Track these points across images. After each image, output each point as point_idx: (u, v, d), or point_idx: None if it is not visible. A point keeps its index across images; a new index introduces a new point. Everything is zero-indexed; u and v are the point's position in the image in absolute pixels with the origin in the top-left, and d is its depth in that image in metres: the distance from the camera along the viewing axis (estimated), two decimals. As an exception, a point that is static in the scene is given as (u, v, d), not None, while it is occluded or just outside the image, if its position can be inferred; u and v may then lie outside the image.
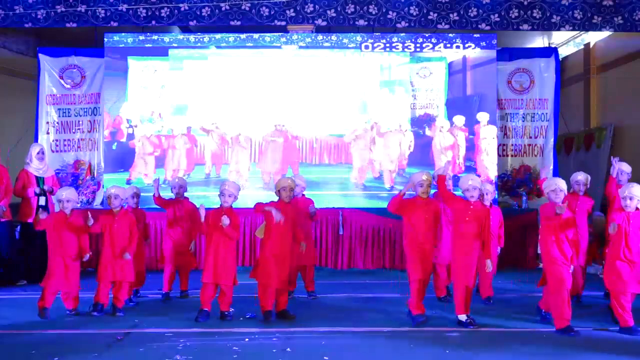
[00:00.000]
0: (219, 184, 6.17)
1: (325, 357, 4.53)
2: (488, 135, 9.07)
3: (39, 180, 7.76)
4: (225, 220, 5.56)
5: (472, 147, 9.10)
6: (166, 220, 6.90)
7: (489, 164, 9.05)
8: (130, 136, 9.05)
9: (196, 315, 5.63)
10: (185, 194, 7.03)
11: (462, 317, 5.46)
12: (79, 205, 8.91)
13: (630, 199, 5.25)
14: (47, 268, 5.80)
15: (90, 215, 5.92)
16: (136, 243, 6.00)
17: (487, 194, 6.32)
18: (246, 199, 8.71)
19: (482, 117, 9.05)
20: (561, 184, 5.48)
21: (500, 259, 6.92)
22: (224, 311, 5.69)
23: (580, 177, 6.44)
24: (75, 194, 6.11)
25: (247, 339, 5.03)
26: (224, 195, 5.76)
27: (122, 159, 9.03)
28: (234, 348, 4.76)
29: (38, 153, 7.81)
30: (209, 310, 5.66)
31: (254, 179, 8.96)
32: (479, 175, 8.64)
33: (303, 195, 6.87)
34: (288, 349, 4.75)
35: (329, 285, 7.40)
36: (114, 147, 9.05)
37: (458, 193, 5.90)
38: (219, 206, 5.81)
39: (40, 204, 7.68)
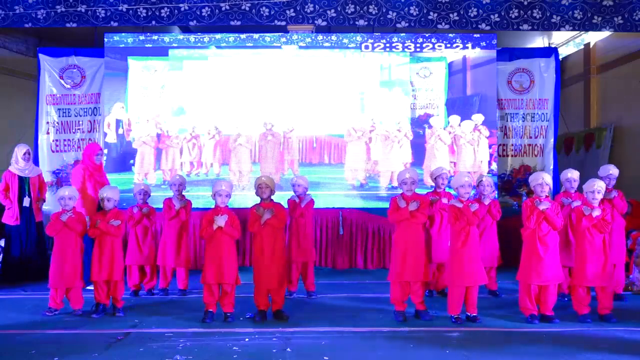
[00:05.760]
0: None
1: (325, 357, 4.53)
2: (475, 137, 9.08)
3: (24, 181, 7.70)
4: (220, 221, 5.58)
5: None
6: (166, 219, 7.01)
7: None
8: (121, 137, 9.01)
9: (203, 317, 5.62)
10: (186, 194, 7.15)
11: (454, 316, 5.60)
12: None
13: (599, 192, 5.66)
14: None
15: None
16: (120, 242, 6.04)
17: (489, 186, 6.68)
18: (247, 200, 8.73)
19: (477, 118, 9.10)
20: (547, 178, 5.72)
21: (501, 259, 6.96)
22: (228, 312, 5.68)
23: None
24: (75, 191, 6.20)
25: (247, 339, 5.03)
26: (220, 195, 5.73)
27: (123, 159, 9.03)
28: (234, 348, 4.77)
29: (24, 154, 7.71)
30: (214, 312, 5.67)
31: (253, 180, 8.92)
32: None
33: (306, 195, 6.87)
34: (288, 349, 4.75)
35: (329, 285, 7.40)
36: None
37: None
38: (214, 206, 5.79)
39: (24, 205, 7.64)
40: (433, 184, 7.09)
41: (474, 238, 5.60)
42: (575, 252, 5.83)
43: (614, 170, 6.66)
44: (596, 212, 5.59)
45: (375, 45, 9.06)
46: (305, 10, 8.29)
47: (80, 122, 9.25)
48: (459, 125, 9.01)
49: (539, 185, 5.67)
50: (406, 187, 5.79)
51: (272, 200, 5.89)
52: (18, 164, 7.70)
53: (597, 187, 5.67)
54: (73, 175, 7.35)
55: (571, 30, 8.86)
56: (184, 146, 9.00)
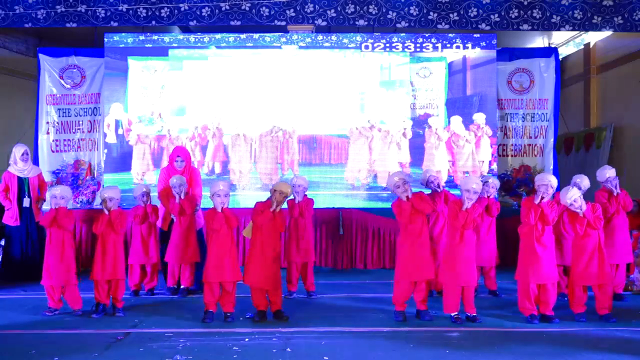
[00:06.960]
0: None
1: (325, 357, 4.53)
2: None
3: (23, 181, 7.67)
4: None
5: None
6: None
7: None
8: (121, 137, 9.02)
9: (203, 316, 5.62)
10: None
11: (453, 315, 5.60)
12: (78, 205, 8.98)
13: (576, 200, 5.57)
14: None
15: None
16: (121, 241, 6.01)
17: (493, 187, 6.58)
18: (246, 199, 8.74)
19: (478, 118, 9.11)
20: (554, 181, 5.71)
21: (501, 259, 6.96)
22: (228, 312, 5.67)
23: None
24: (69, 191, 6.17)
25: (247, 339, 5.03)
26: (219, 196, 5.67)
27: (123, 159, 9.03)
28: (234, 348, 4.77)
29: (22, 154, 7.65)
30: (214, 312, 5.66)
31: (253, 180, 8.96)
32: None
33: (305, 195, 6.88)
34: (288, 349, 4.75)
35: (329, 285, 7.40)
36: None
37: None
38: (212, 208, 5.73)
39: (24, 205, 7.62)
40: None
41: (470, 239, 5.60)
42: (571, 252, 5.83)
43: (610, 172, 6.59)
44: (583, 207, 5.54)
45: (375, 45, 9.07)
46: (305, 10, 8.29)
47: (80, 122, 9.26)
48: (449, 124, 9.05)
49: (543, 186, 5.63)
50: (401, 190, 5.64)
51: None
52: (17, 165, 7.68)
53: (572, 197, 5.58)
54: (159, 178, 7.35)
55: (571, 30, 8.87)
56: (187, 145, 8.99)
